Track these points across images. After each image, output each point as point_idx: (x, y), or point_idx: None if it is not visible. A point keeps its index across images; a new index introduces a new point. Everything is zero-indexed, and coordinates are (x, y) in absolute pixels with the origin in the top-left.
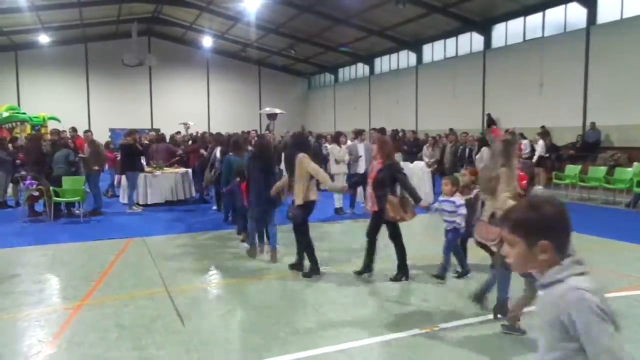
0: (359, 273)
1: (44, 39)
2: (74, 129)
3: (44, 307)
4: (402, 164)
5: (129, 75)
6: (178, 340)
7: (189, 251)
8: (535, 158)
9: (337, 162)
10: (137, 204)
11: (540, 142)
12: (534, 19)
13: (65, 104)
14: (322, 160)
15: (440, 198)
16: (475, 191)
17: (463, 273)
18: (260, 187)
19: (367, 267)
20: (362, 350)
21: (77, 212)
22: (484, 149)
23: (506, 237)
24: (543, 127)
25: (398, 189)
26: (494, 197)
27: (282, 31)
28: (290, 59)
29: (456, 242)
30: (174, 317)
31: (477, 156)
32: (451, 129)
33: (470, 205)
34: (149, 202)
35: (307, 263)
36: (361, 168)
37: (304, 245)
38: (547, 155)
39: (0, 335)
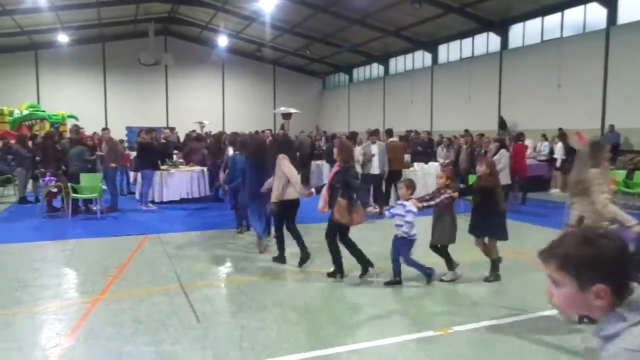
0: (330, 275)
1: (63, 38)
2: (104, 129)
3: (62, 300)
4: (416, 165)
5: (146, 74)
6: (193, 336)
7: (204, 248)
8: (558, 162)
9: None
10: (152, 201)
11: (560, 145)
12: (552, 19)
13: (83, 102)
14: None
15: (397, 202)
16: (444, 196)
17: (392, 282)
18: (254, 183)
19: (341, 272)
20: (376, 351)
21: (94, 208)
22: (502, 151)
23: (551, 275)
24: (561, 129)
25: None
26: (583, 200)
27: (297, 31)
28: (305, 59)
29: (406, 252)
30: (189, 313)
31: (495, 158)
32: (466, 130)
33: (444, 206)
34: (164, 200)
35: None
36: (374, 169)
37: (295, 236)
38: (564, 158)
39: (20, 328)
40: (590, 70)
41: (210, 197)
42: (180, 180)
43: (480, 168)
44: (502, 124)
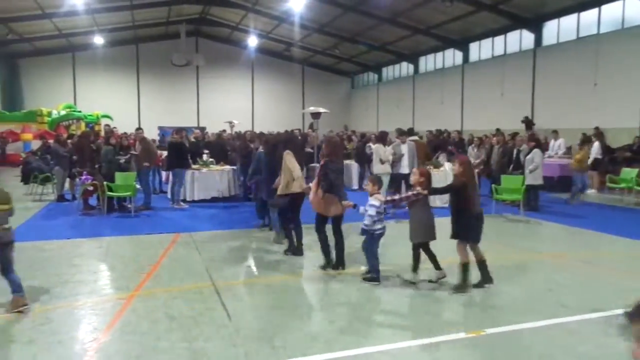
0: (323, 267)
1: (98, 40)
2: (138, 129)
3: (98, 296)
4: (446, 164)
5: (177, 74)
6: (225, 333)
7: (234, 247)
8: (590, 160)
9: (381, 161)
10: (184, 200)
11: (596, 144)
12: (589, 15)
13: (117, 102)
14: (366, 160)
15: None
16: (410, 192)
17: (370, 279)
18: (272, 180)
19: (328, 262)
20: (407, 352)
21: (129, 206)
22: (536, 151)
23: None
24: (597, 128)
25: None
26: None
27: (326, 30)
28: (334, 58)
29: (370, 244)
30: (221, 311)
31: (528, 157)
32: (498, 129)
33: (414, 203)
34: (195, 199)
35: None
36: (404, 168)
37: (292, 228)
38: (601, 157)
39: (60, 322)
40: (629, 67)
41: (240, 196)
42: (210, 179)
43: (454, 167)
44: (528, 124)
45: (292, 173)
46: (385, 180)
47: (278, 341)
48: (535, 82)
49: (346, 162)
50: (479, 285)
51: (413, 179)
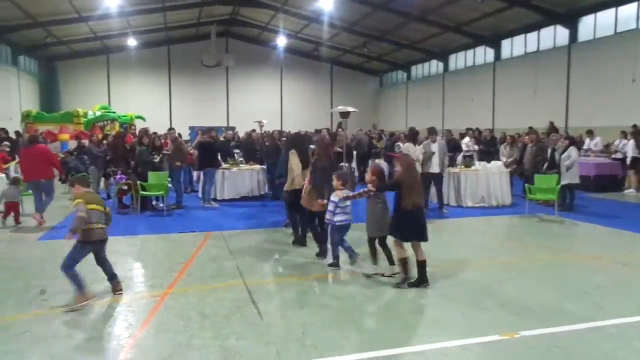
0: (317, 255)
1: (132, 42)
2: (170, 129)
3: (134, 293)
4: (478, 164)
5: (208, 75)
6: (257, 332)
7: (265, 246)
8: (628, 160)
9: None
10: (215, 199)
11: (631, 142)
12: (627, 9)
13: (149, 103)
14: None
15: None
16: (362, 189)
17: (332, 264)
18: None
19: (320, 248)
20: (440, 353)
21: (160, 205)
22: (571, 148)
23: None
24: (635, 125)
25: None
26: None
27: (355, 29)
28: (363, 57)
29: (331, 234)
30: (252, 310)
31: (564, 155)
32: (531, 127)
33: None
34: (226, 198)
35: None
36: (434, 167)
37: (301, 221)
38: (637, 156)
39: (98, 318)
40: None
41: (270, 195)
42: (240, 179)
43: (396, 168)
44: (550, 130)
45: (294, 172)
46: None
47: (309, 340)
48: (570, 79)
49: (376, 161)
50: (414, 284)
51: (366, 177)
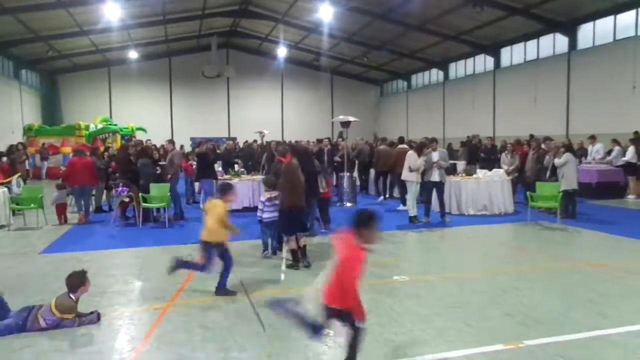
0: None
1: (133, 54)
2: (170, 141)
3: (136, 306)
4: (479, 171)
5: (209, 86)
6: (259, 344)
7: (267, 257)
8: (619, 162)
9: (410, 169)
10: None
11: (631, 148)
12: (626, 17)
13: (151, 115)
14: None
15: None
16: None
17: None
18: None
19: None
20: None
21: (162, 217)
22: (567, 154)
23: None
24: (636, 132)
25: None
26: None
27: (355, 39)
28: (363, 67)
29: (261, 227)
30: (255, 322)
31: (561, 160)
32: (532, 135)
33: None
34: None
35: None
36: (435, 176)
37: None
38: (637, 163)
39: (100, 332)
40: None
41: None
42: (242, 190)
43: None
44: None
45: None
46: (415, 188)
47: (311, 352)
48: (570, 87)
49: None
50: (292, 265)
51: (266, 195)
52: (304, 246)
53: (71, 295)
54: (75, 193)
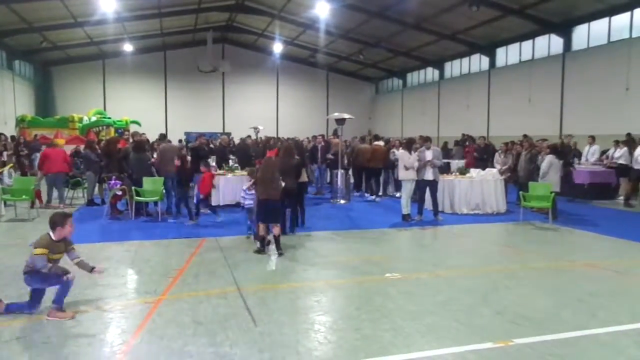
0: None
1: (128, 47)
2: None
3: (127, 300)
4: (473, 171)
5: (204, 81)
6: (250, 339)
7: (258, 252)
8: (606, 162)
9: (406, 168)
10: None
11: (624, 150)
12: (620, 19)
13: (145, 108)
14: (390, 165)
15: None
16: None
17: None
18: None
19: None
20: None
21: (152, 212)
22: (548, 157)
23: None
24: (629, 134)
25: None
26: None
27: (351, 36)
28: (359, 64)
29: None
30: (246, 316)
31: (544, 163)
32: (525, 135)
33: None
34: (221, 204)
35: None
36: (429, 175)
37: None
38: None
39: (90, 325)
40: None
41: None
42: (235, 184)
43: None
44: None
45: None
46: (411, 186)
47: (302, 347)
48: (564, 88)
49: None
50: (260, 250)
51: (246, 185)
52: (278, 236)
53: (50, 234)
54: (48, 180)
